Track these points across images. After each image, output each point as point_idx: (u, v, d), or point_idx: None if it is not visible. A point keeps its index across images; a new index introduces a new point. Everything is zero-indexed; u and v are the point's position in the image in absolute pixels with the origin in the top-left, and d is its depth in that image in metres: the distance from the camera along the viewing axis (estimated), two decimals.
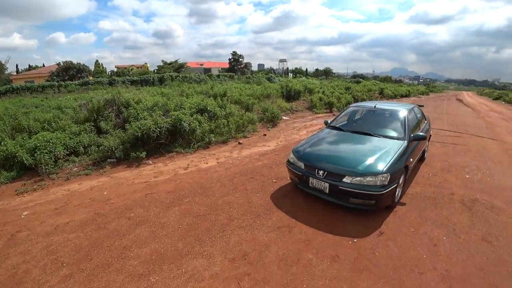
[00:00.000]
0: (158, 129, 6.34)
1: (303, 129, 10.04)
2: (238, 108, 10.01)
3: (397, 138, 4.50)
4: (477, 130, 10.38)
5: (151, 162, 6.09)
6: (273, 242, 3.20)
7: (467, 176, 5.40)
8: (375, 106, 5.61)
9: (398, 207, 4.02)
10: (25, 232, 3.50)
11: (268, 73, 41.72)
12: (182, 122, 6.77)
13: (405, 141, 4.38)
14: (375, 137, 4.57)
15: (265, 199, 4.32)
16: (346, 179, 3.58)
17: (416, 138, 4.58)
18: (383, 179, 3.49)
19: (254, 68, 55.32)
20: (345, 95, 18.08)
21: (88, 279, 2.65)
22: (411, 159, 4.43)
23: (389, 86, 32.19)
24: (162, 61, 40.10)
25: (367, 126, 5.10)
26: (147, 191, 4.60)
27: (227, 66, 50.27)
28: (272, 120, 10.40)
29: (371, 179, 3.49)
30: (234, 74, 36.37)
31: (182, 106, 7.70)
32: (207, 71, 47.19)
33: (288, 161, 4.50)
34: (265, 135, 8.88)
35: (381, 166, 3.60)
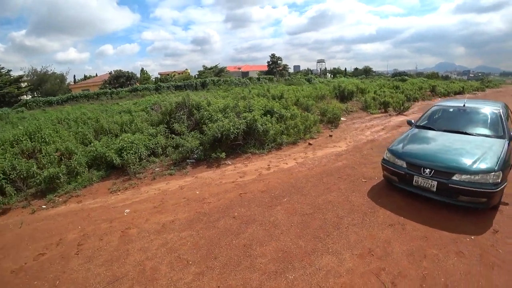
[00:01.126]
0: (236, 130, 6.45)
1: (366, 130, 9.67)
2: (299, 110, 9.91)
3: (497, 137, 4.34)
4: None
5: (230, 163, 6.22)
6: (392, 238, 3.21)
7: None
8: (464, 105, 5.34)
9: (501, 206, 3.86)
10: (134, 229, 3.69)
11: (307, 74, 41.17)
12: (257, 123, 6.83)
13: (506, 140, 4.21)
14: (474, 136, 4.44)
15: (364, 198, 4.26)
16: (456, 177, 3.54)
17: None
18: (495, 177, 3.42)
19: (290, 70, 54.96)
20: (397, 94, 17.18)
21: (222, 276, 2.70)
22: None
23: (440, 83, 30.05)
24: (203, 66, 41.46)
25: (461, 125, 4.87)
26: (239, 191, 4.67)
27: (264, 68, 50.51)
28: (333, 121, 10.15)
29: (483, 176, 3.44)
30: (273, 76, 36.37)
31: (251, 108, 7.78)
32: (244, 74, 47.84)
33: (384, 159, 4.43)
34: (331, 136, 8.69)
35: (493, 164, 3.53)
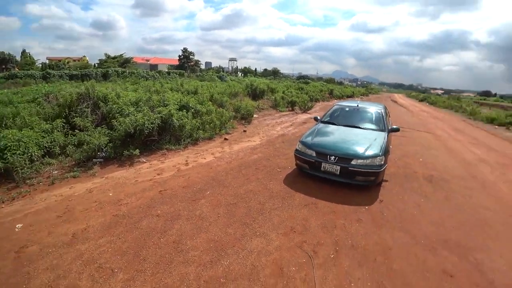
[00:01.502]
0: (151, 125, 6.07)
1: (277, 126, 10.51)
2: (214, 106, 9.95)
3: (380, 130, 5.57)
4: (415, 126, 12.59)
5: (144, 160, 5.83)
6: (308, 216, 3.77)
7: (421, 159, 6.84)
8: (357, 105, 6.61)
9: (384, 183, 5.01)
10: (34, 247, 3.02)
11: (219, 72, 41.49)
12: (173, 118, 6.58)
13: (386, 132, 5.47)
14: (364, 130, 5.56)
15: (281, 185, 4.74)
16: (354, 162, 4.42)
17: (392, 130, 5.75)
18: (380, 160, 4.45)
19: (202, 66, 54.17)
20: (302, 95, 19.21)
21: (156, 277, 2.55)
22: (390, 146, 5.55)
23: (336, 87, 35.08)
24: (105, 54, 36.81)
25: (355, 121, 5.99)
26: (159, 188, 4.47)
27: (175, 63, 48.36)
28: (246, 118, 10.62)
29: (372, 160, 4.41)
30: (184, 71, 35.22)
31: (166, 102, 7.41)
32: (153, 67, 44.77)
33: (297, 150, 5.04)
34: (245, 131, 9.09)
35: (378, 151, 4.56)
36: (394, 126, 5.89)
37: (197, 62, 47.28)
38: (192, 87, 11.33)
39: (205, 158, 6.06)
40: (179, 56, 45.34)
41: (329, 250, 3.04)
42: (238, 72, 62.28)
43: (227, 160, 6.00)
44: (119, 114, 6.40)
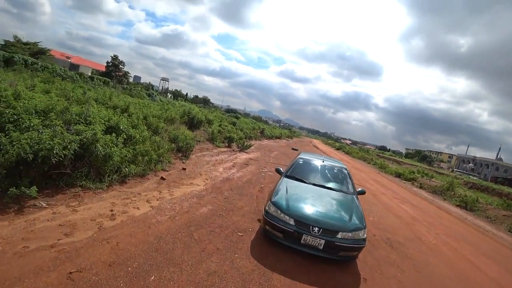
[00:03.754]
0: (64, 151, 4.19)
1: (218, 165, 9.39)
2: (149, 132, 8.24)
3: (351, 193, 5.14)
4: None
5: (45, 205, 3.87)
6: None
7: (371, 218, 6.80)
8: (323, 161, 6.12)
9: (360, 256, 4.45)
10: None
11: (149, 89, 38.20)
12: (98, 143, 4.82)
13: (355, 196, 5.09)
14: (336, 192, 5.03)
15: (250, 260, 3.64)
16: (340, 235, 3.79)
17: (360, 193, 5.40)
18: (364, 233, 3.96)
19: (131, 78, 49.34)
20: (237, 131, 18.70)
21: None
22: None
23: (266, 127, 36.21)
24: (15, 37, 29.45)
25: (325, 179, 5.45)
26: (69, 267, 2.75)
27: (101, 68, 42.65)
28: (185, 151, 9.16)
29: (357, 233, 3.88)
30: (110, 80, 30.89)
31: (90, 119, 5.50)
32: (74, 67, 38.27)
33: (268, 213, 4.10)
34: (184, 169, 7.65)
35: (361, 222, 4.07)
36: (361, 189, 5.60)
37: (126, 74, 42.77)
38: (123, 103, 9.29)
39: (138, 208, 4.44)
40: (108, 62, 40.07)
41: None
42: (168, 94, 59.14)
43: (170, 213, 4.52)
44: (13, 126, 4.30)
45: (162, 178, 6.27)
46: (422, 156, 78.71)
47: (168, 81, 69.42)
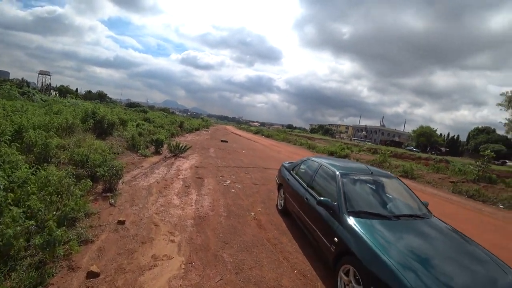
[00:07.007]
0: None
1: (166, 193, 6.18)
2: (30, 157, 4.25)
3: (437, 219, 3.59)
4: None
5: None
6: None
7: None
8: (372, 173, 4.10)
9: None
10: None
11: (23, 87, 28.09)
12: None
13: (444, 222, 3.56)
14: (424, 220, 3.39)
15: None
16: None
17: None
18: None
19: None
20: (159, 130, 14.77)
21: None
22: None
23: (185, 119, 31.95)
24: None
25: (394, 206, 3.63)
26: None
27: None
28: (109, 180, 5.43)
29: None
30: None
31: None
32: None
33: None
34: (122, 222, 4.25)
35: None
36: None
37: None
38: None
39: None
40: None
41: None
42: (52, 91, 46.42)
43: None
44: None
45: (91, 274, 2.82)
46: (325, 130, 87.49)
47: (49, 75, 54.97)
